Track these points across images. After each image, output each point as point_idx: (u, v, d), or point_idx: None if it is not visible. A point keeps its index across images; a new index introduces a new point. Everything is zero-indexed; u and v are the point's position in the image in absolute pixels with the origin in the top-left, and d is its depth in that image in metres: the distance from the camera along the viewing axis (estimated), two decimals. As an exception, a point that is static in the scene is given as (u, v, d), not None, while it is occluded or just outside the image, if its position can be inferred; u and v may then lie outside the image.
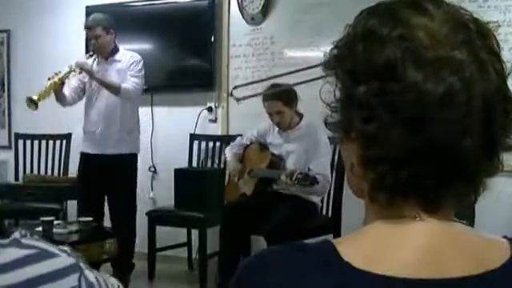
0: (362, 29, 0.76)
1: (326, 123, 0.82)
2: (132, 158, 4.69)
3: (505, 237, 0.80)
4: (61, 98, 4.56)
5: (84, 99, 4.70)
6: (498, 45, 0.76)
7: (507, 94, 0.75)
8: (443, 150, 0.72)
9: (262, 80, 4.94)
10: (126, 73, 4.56)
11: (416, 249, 0.73)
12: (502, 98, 0.74)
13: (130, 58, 4.64)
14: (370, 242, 0.76)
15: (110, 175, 4.55)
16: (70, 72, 4.45)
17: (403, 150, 0.72)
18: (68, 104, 4.65)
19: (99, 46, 4.58)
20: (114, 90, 4.47)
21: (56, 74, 4.42)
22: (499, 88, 0.74)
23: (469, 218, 3.26)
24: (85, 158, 4.73)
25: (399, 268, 0.71)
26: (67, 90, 4.60)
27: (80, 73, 4.53)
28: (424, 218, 0.75)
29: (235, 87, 5.08)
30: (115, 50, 4.67)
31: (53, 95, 4.48)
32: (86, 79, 4.64)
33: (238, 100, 4.76)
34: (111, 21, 4.65)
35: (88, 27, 4.63)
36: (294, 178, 3.84)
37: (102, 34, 4.58)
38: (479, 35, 0.74)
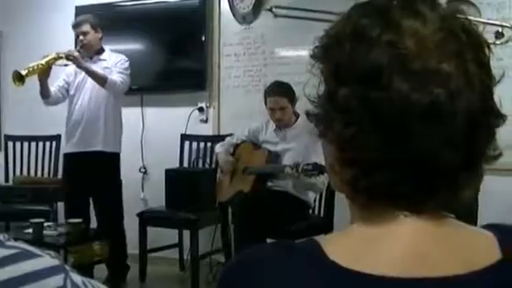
0: (352, 27, 0.75)
1: (307, 114, 0.81)
2: (115, 158, 4.65)
3: (496, 226, 0.78)
4: (44, 90, 4.50)
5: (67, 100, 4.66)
6: (488, 56, 0.75)
7: (492, 107, 0.74)
8: (422, 161, 0.71)
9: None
10: (112, 70, 4.53)
11: (399, 247, 0.72)
12: (486, 112, 0.73)
13: (115, 58, 4.63)
14: (354, 241, 0.75)
15: (94, 175, 4.50)
16: (56, 58, 4.39)
17: (379, 156, 0.71)
18: (51, 101, 4.60)
19: (86, 43, 4.56)
20: (101, 80, 4.42)
21: (44, 57, 4.38)
22: (484, 101, 0.73)
23: (468, 214, 3.17)
24: (68, 158, 4.70)
25: (384, 267, 0.71)
26: (52, 88, 4.56)
27: (66, 65, 4.50)
28: (408, 215, 0.74)
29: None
30: (101, 50, 4.66)
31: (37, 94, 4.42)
32: (71, 78, 4.61)
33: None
34: (99, 21, 4.65)
35: (75, 24, 4.62)
36: (300, 169, 3.81)
37: (90, 31, 4.58)
38: (470, 47, 0.73)
